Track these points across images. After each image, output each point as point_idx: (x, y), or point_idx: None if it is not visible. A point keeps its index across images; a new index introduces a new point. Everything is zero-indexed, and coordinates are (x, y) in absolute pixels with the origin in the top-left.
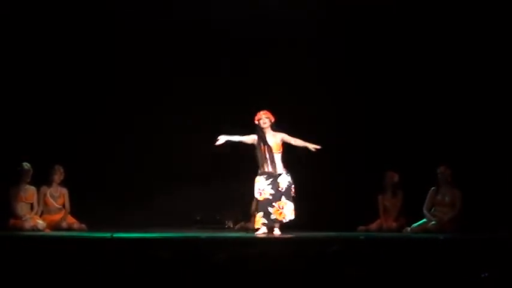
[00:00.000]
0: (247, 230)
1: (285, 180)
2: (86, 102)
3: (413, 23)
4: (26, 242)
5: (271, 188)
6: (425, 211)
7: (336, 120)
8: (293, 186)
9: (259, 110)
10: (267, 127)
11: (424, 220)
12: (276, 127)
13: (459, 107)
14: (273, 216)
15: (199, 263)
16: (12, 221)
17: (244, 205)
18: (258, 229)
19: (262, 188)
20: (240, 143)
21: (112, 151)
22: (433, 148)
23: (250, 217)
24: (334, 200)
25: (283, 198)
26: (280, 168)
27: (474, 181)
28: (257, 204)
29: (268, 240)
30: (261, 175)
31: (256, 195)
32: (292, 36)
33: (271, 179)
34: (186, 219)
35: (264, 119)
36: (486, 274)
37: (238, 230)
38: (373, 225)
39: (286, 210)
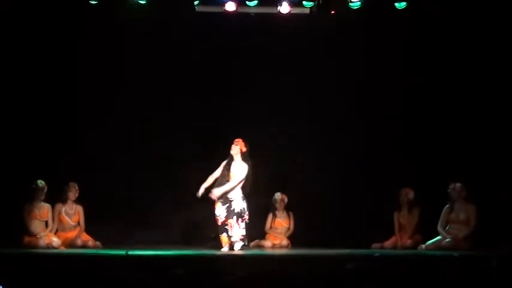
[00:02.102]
0: (262, 247)
1: (239, 205)
2: (101, 120)
3: (428, 34)
4: (40, 260)
5: (225, 211)
6: (440, 228)
7: (351, 136)
8: (247, 213)
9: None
10: (236, 154)
11: (439, 237)
12: (246, 157)
13: (475, 122)
14: (233, 238)
15: (215, 281)
16: (26, 239)
17: (259, 222)
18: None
19: (218, 213)
20: (215, 181)
21: (127, 168)
22: (450, 165)
23: (265, 234)
24: (348, 216)
25: (234, 218)
26: (237, 194)
27: (491, 198)
28: (218, 227)
29: (283, 258)
30: (219, 199)
31: (217, 220)
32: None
33: (226, 204)
34: (200, 237)
35: (234, 147)
36: None
37: (253, 247)
38: (388, 243)
39: (234, 231)
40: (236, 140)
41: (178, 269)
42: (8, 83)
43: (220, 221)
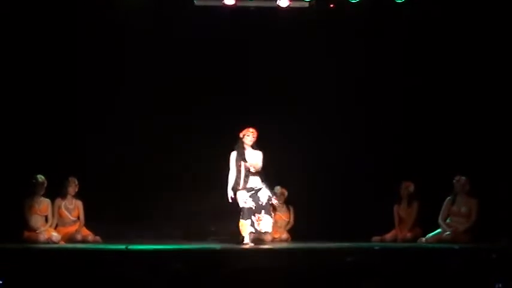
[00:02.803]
0: (261, 241)
1: (265, 194)
2: (100, 115)
3: (427, 29)
4: (40, 255)
5: (253, 201)
6: (440, 221)
7: (353, 129)
8: (274, 197)
9: (246, 126)
10: (250, 145)
11: (439, 230)
12: (256, 145)
13: (475, 116)
14: (256, 225)
15: (214, 275)
16: (26, 234)
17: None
18: (243, 238)
19: (245, 198)
20: (237, 177)
21: (126, 163)
22: (449, 157)
23: None
24: (349, 210)
25: (262, 212)
26: (258, 183)
27: (491, 190)
28: (243, 213)
29: (284, 251)
30: (242, 190)
31: (242, 204)
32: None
33: (251, 192)
34: (201, 231)
35: (251, 137)
36: (500, 285)
37: (253, 241)
38: (388, 236)
39: (263, 224)
40: (251, 129)
41: (178, 264)
42: (7, 79)
43: (248, 205)
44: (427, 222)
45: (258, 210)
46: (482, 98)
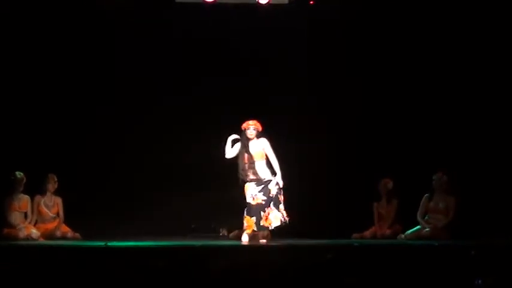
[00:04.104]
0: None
1: (274, 186)
2: (80, 111)
3: (411, 26)
4: (20, 251)
5: (263, 194)
6: (419, 218)
7: (330, 126)
8: (282, 191)
9: (248, 118)
10: (253, 138)
11: (418, 227)
12: (260, 134)
13: (453, 112)
14: (262, 222)
15: (194, 272)
16: (6, 230)
17: (240, 213)
18: (248, 234)
19: (254, 193)
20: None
21: (106, 160)
22: (428, 154)
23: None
24: (328, 207)
25: (271, 205)
26: (267, 174)
27: (468, 187)
28: (250, 209)
29: (263, 249)
30: (250, 182)
31: (249, 200)
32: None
33: (261, 186)
34: (181, 228)
35: (252, 130)
36: (480, 281)
37: (233, 238)
38: (368, 233)
39: (272, 217)
40: (251, 122)
41: (158, 260)
42: None
43: (256, 201)
44: (406, 219)
45: (268, 204)
46: (461, 94)
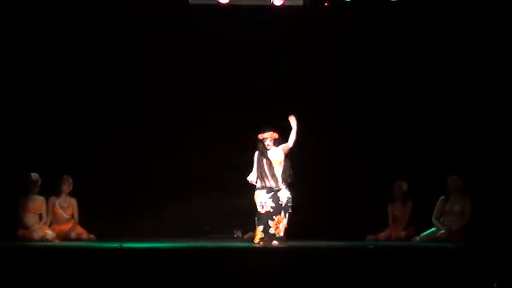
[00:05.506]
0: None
1: (285, 194)
2: (94, 113)
3: (420, 28)
4: (34, 253)
5: (272, 202)
6: (434, 220)
7: (347, 129)
8: (291, 201)
9: (265, 127)
10: (271, 147)
11: (433, 229)
12: (277, 141)
13: (469, 114)
14: (271, 230)
15: (208, 273)
16: (21, 232)
17: (254, 215)
18: (256, 243)
19: (264, 201)
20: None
21: (121, 161)
22: (443, 157)
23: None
24: (343, 209)
25: (282, 212)
26: (280, 182)
27: (484, 190)
28: (259, 218)
29: (277, 250)
30: (261, 189)
31: (259, 208)
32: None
33: (272, 193)
34: (195, 229)
35: (269, 141)
36: (496, 283)
37: (247, 239)
38: (382, 235)
39: (282, 226)
40: (268, 133)
41: (171, 262)
42: (1, 77)
43: (265, 209)
44: (421, 221)
45: (277, 211)
46: (476, 97)
